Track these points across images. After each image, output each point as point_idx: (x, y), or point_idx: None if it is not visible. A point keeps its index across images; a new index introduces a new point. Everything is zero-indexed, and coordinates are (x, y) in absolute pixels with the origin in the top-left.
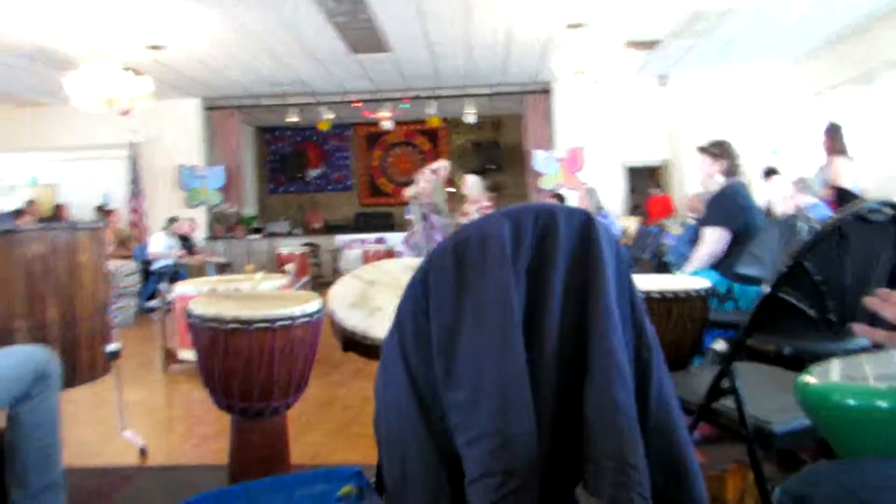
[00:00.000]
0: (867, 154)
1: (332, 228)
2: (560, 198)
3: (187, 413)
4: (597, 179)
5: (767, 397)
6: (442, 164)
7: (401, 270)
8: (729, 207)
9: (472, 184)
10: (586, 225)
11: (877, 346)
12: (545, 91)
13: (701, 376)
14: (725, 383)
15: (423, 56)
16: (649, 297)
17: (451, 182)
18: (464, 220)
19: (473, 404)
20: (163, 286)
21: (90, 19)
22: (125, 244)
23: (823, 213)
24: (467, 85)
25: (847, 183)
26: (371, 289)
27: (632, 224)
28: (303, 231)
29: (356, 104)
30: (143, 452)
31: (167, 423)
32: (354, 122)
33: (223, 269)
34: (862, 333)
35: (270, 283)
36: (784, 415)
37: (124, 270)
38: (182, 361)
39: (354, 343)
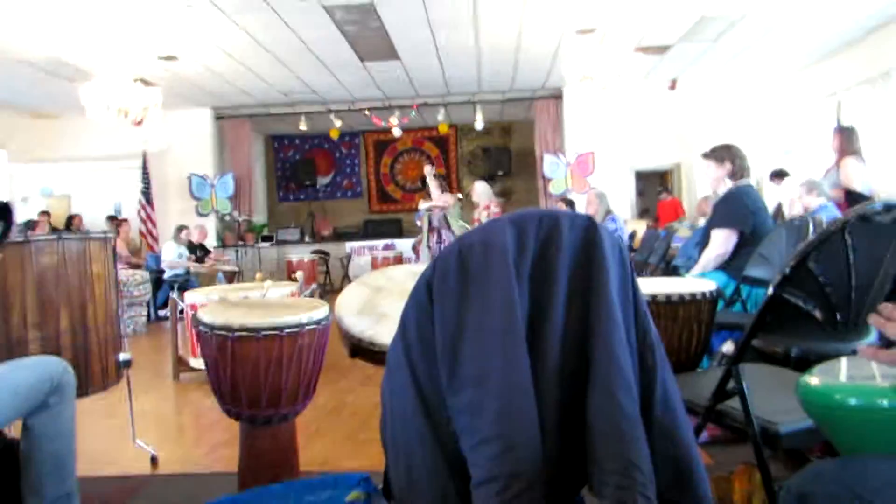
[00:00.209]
0: (881, 155)
1: (341, 235)
2: (569, 203)
3: (198, 421)
4: (606, 184)
5: (774, 398)
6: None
7: (407, 277)
8: (736, 209)
9: (481, 190)
10: (589, 230)
11: (889, 344)
12: (555, 97)
13: (707, 378)
14: (731, 384)
15: (432, 64)
16: (656, 300)
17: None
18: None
19: (477, 409)
20: (174, 295)
21: (103, 31)
22: (136, 253)
23: (832, 214)
24: (477, 91)
25: (858, 185)
26: (378, 295)
27: (640, 228)
28: (312, 238)
29: (366, 112)
30: (154, 461)
31: (178, 431)
32: (364, 129)
33: (233, 277)
34: (870, 354)
35: (279, 290)
36: (790, 415)
37: (136, 279)
38: (193, 369)
39: (362, 349)
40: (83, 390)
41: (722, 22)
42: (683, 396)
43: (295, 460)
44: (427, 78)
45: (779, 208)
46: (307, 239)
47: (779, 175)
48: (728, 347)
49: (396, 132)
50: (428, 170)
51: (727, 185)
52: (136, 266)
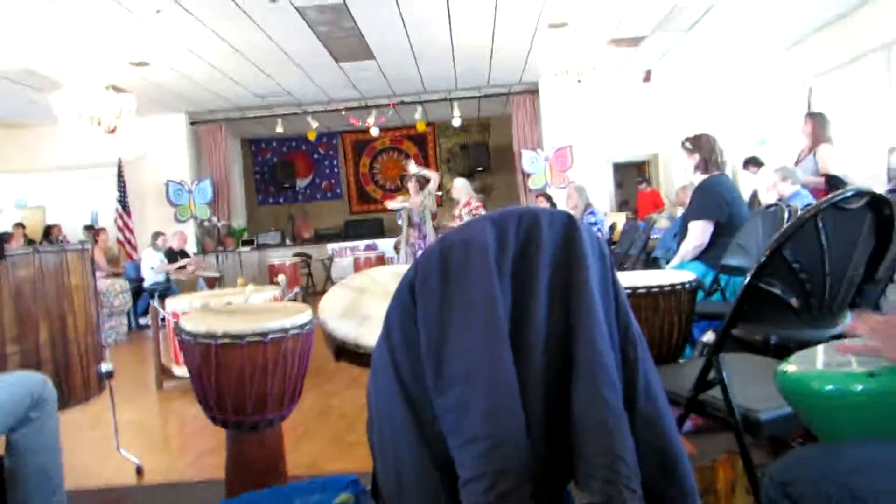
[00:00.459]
0: (851, 141)
1: (322, 237)
2: (548, 197)
3: (183, 429)
4: (585, 176)
5: (755, 386)
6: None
7: (390, 278)
8: (711, 200)
9: (460, 187)
10: (568, 226)
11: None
12: (531, 91)
13: (689, 369)
14: (712, 375)
15: (407, 62)
16: (636, 293)
17: (439, 186)
18: (454, 224)
19: (463, 408)
20: (155, 303)
21: (72, 39)
22: (114, 262)
23: (806, 200)
24: (453, 88)
25: (836, 170)
26: (361, 297)
27: (620, 220)
28: (293, 241)
29: (342, 112)
30: (139, 471)
31: (163, 440)
32: (341, 129)
33: (214, 282)
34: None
35: (262, 295)
36: (771, 402)
37: (115, 289)
38: (177, 378)
39: (346, 352)
40: (65, 402)
41: (694, 11)
42: (666, 388)
43: (282, 465)
44: (403, 76)
45: (754, 196)
46: (288, 242)
47: (752, 162)
48: (709, 337)
49: (374, 132)
50: (412, 167)
51: (697, 175)
52: (116, 275)
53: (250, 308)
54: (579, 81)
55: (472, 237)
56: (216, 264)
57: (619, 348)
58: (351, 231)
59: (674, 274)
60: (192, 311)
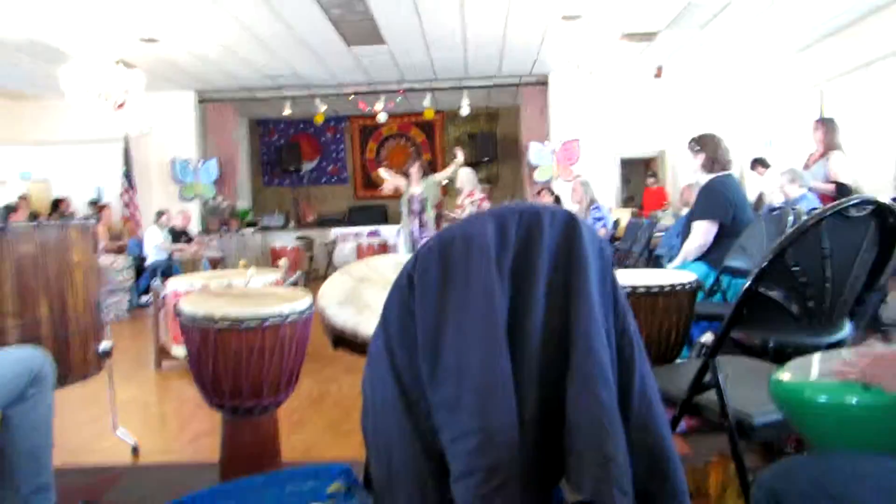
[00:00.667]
0: (862, 147)
1: (325, 222)
2: (551, 191)
3: (180, 410)
4: (591, 171)
5: (750, 390)
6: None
7: (391, 268)
8: (716, 201)
9: (465, 176)
10: (569, 225)
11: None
12: (541, 83)
13: (685, 370)
14: (708, 377)
15: (418, 48)
16: (635, 293)
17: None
18: (458, 213)
19: (457, 402)
20: (156, 282)
21: (83, 12)
22: (118, 238)
23: (812, 204)
24: (463, 77)
25: (846, 178)
26: (361, 286)
27: (625, 216)
28: (297, 224)
29: (351, 96)
30: (135, 450)
31: (160, 420)
32: (349, 114)
33: (217, 263)
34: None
35: (262, 278)
36: (765, 407)
37: (117, 265)
38: (175, 358)
39: (344, 340)
40: (63, 379)
41: (709, 8)
42: (661, 388)
43: (276, 451)
44: (414, 63)
45: (760, 197)
46: (291, 225)
47: (759, 163)
48: (707, 338)
49: (382, 117)
50: (415, 168)
51: (702, 175)
52: (120, 250)
53: (250, 292)
54: (591, 73)
55: (473, 232)
56: (219, 245)
57: (615, 348)
58: (355, 216)
59: (674, 274)
60: (192, 292)
